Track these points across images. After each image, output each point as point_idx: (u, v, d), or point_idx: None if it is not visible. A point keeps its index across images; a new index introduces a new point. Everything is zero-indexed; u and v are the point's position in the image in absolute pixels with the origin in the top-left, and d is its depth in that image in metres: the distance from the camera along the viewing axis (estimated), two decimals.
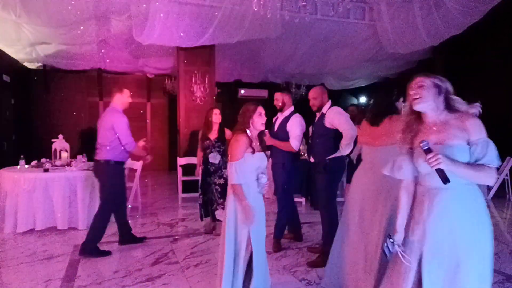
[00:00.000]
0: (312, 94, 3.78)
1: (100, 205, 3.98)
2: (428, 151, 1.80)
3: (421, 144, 1.83)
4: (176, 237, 4.55)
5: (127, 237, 4.19)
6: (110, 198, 3.93)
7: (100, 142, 3.88)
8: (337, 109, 3.66)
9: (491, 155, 1.84)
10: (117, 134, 3.81)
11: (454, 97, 1.96)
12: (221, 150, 4.55)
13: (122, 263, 3.65)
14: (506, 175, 6.92)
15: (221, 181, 4.52)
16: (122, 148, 3.88)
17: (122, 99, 3.99)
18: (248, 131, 2.61)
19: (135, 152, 4.07)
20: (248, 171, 2.54)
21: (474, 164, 1.83)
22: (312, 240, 4.42)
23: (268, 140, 3.88)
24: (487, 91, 7.24)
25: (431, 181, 1.91)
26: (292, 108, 4.14)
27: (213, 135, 4.59)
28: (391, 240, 2.01)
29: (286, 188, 4.10)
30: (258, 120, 2.62)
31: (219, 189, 4.51)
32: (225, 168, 4.44)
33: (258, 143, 2.67)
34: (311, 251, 4.01)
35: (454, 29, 5.75)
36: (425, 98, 1.93)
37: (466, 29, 5.72)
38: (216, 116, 4.60)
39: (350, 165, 5.77)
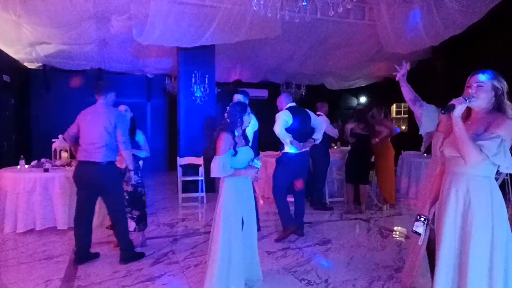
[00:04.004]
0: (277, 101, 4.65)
1: (117, 212, 3.67)
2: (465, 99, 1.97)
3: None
4: (176, 237, 4.55)
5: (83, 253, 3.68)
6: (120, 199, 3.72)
7: (97, 141, 3.51)
8: (277, 114, 4.38)
9: (492, 145, 1.89)
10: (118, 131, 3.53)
11: (508, 102, 2.00)
12: None
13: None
14: (506, 175, 6.91)
15: (129, 188, 3.95)
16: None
17: (113, 97, 3.72)
18: (235, 130, 2.90)
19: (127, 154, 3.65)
20: (239, 163, 2.87)
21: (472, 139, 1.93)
22: (312, 240, 4.42)
23: None
24: None
25: (452, 166, 2.10)
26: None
27: None
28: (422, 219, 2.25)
29: None
30: (247, 119, 2.97)
31: (127, 197, 3.94)
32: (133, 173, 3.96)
33: (243, 140, 3.02)
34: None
35: (454, 29, 5.74)
36: (481, 100, 1.99)
37: (466, 29, 5.71)
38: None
39: (348, 165, 5.82)
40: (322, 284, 3.21)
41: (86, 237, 3.67)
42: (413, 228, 2.24)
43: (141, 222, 4.08)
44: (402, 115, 10.42)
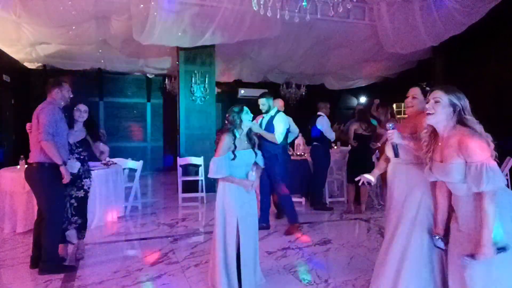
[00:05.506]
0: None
1: (44, 219, 3.35)
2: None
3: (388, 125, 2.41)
4: (176, 237, 4.55)
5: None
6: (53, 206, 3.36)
7: (32, 141, 3.30)
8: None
9: (486, 180, 1.81)
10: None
11: (469, 117, 1.98)
12: (81, 156, 3.61)
13: (122, 263, 3.64)
14: (506, 175, 6.90)
15: (80, 194, 3.60)
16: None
17: (62, 93, 3.41)
18: (236, 131, 2.89)
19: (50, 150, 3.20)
20: (238, 166, 2.85)
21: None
22: (312, 240, 4.42)
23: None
24: (487, 91, 7.24)
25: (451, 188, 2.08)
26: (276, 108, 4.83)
27: (73, 138, 3.59)
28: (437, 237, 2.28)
29: (282, 178, 4.65)
30: (246, 117, 2.93)
31: (75, 204, 3.58)
32: (86, 177, 3.66)
33: (247, 141, 2.99)
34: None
35: (454, 29, 5.76)
36: (438, 114, 2.00)
37: (466, 29, 5.72)
38: (79, 114, 3.60)
39: (349, 165, 5.82)
40: (322, 284, 3.21)
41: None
42: (437, 245, 2.30)
43: (83, 229, 3.72)
44: (402, 115, 10.42)
